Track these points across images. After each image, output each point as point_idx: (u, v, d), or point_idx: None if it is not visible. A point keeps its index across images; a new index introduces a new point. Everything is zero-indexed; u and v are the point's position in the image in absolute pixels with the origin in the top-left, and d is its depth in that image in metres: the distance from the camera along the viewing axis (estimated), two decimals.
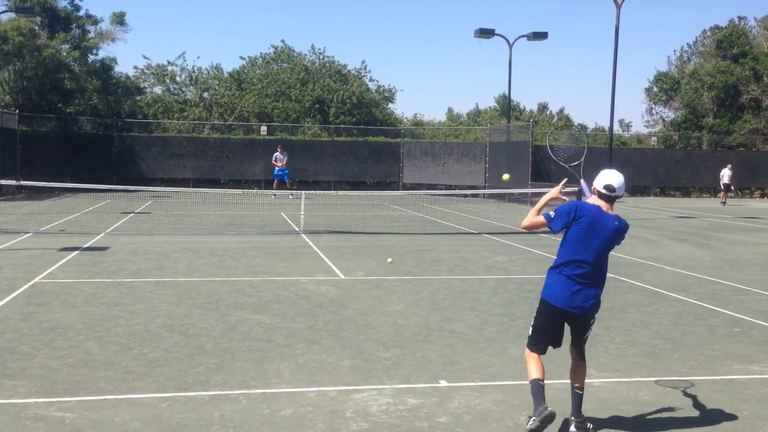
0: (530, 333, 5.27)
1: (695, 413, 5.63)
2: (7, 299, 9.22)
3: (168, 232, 16.88)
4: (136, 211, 22.62)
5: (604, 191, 5.12)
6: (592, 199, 5.21)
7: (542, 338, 5.21)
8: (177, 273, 11.44)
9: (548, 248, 15.20)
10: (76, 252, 13.34)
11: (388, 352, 7.12)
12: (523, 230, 5.14)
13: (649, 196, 38.16)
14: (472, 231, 18.76)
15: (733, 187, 33.02)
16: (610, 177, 5.13)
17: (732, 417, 5.56)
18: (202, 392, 5.87)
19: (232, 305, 9.12)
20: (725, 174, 32.62)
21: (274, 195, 28.40)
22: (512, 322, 8.52)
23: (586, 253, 5.03)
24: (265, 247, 14.57)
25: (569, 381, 5.31)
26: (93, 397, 5.69)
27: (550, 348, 5.27)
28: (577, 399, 5.20)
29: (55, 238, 15.40)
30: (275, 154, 30.25)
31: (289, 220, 20.22)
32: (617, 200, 5.19)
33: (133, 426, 5.14)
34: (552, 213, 5.12)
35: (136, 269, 11.69)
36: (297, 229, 17.80)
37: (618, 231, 5.11)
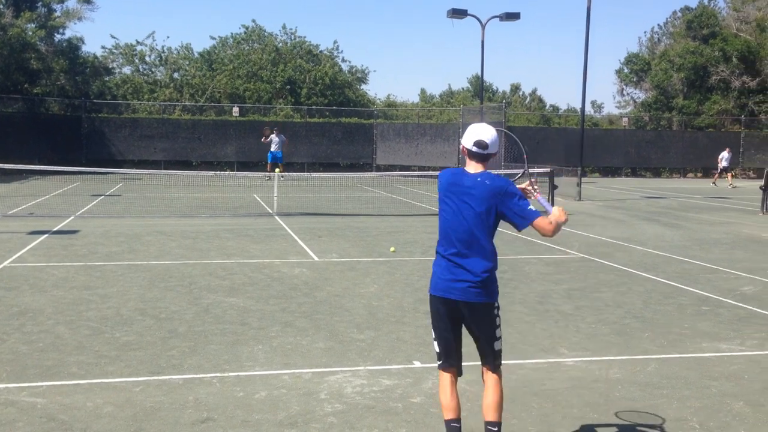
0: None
1: (665, 391, 5.72)
2: None
3: (139, 215, 16.70)
4: (107, 193, 22.34)
5: (474, 149, 4.19)
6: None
7: (442, 346, 4.37)
8: (149, 256, 11.33)
9: None
10: (46, 235, 13.14)
11: (363, 333, 7.13)
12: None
13: (621, 177, 38.57)
14: None
15: (728, 172, 33.08)
16: (480, 131, 4.22)
17: (701, 394, 5.66)
18: (176, 376, 5.84)
19: (205, 288, 9.06)
20: (724, 157, 32.96)
21: (281, 176, 27.39)
22: None
23: (454, 223, 4.21)
24: (239, 230, 14.49)
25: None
26: (65, 382, 5.64)
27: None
28: None
29: (24, 221, 15.16)
30: (271, 136, 29.59)
31: (262, 202, 20.10)
32: (490, 159, 4.29)
33: (106, 410, 5.10)
34: None
35: (107, 252, 11.56)
36: (270, 211, 17.72)
37: (489, 191, 4.12)
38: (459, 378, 4.44)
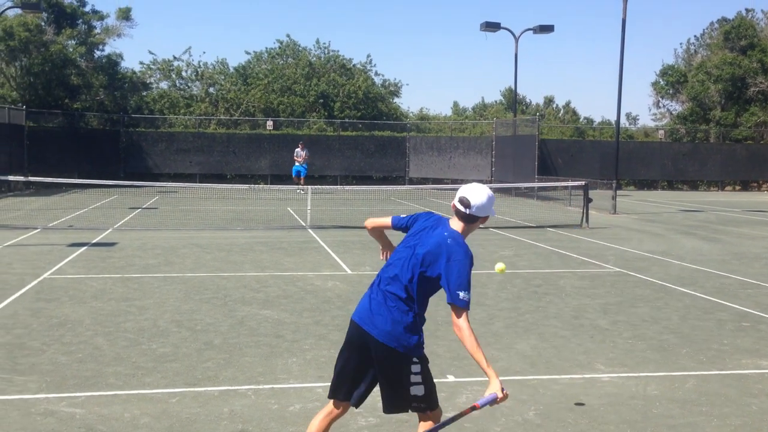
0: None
1: (704, 408, 5.62)
2: (17, 295, 9.26)
3: (175, 228, 16.92)
4: (144, 206, 22.68)
5: (457, 204, 3.98)
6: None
7: (335, 373, 4.14)
8: (184, 268, 11.47)
9: (555, 242, 15.18)
10: (85, 247, 13.38)
11: None
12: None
13: (657, 190, 38.07)
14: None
15: None
16: (469, 189, 3.99)
17: (741, 411, 5.55)
18: (211, 387, 5.89)
19: (240, 300, 9.14)
20: None
21: (302, 190, 26.10)
22: (519, 316, 8.52)
23: (396, 262, 4.00)
24: (272, 242, 14.60)
25: None
26: (103, 393, 5.72)
27: None
28: None
29: (64, 233, 15.45)
30: (296, 150, 30.31)
31: (295, 215, 20.24)
32: (478, 223, 4.03)
33: (143, 421, 5.16)
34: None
35: (144, 265, 11.72)
36: (303, 224, 17.82)
37: (437, 245, 3.87)
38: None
